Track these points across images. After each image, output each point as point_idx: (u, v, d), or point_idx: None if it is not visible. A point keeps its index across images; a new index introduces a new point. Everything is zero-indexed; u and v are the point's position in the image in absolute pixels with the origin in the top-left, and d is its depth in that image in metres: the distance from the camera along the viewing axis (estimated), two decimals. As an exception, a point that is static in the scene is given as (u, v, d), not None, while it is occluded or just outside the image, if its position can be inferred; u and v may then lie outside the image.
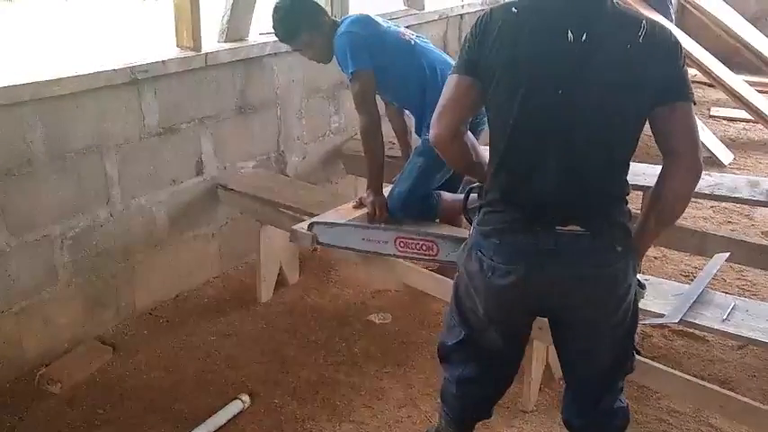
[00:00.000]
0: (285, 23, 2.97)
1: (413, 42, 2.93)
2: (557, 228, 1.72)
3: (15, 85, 2.62)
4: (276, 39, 3.24)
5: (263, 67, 3.58)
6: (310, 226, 2.77)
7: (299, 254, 3.57)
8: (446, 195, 2.93)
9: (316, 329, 3.15)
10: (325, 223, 2.79)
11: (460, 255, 1.92)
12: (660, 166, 1.77)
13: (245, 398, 2.67)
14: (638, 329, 2.02)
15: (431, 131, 1.85)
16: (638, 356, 2.36)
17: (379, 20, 2.97)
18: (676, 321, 2.24)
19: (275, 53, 3.59)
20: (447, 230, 2.68)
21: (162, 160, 3.20)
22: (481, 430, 2.53)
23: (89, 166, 2.92)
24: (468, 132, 1.91)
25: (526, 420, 2.62)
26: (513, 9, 1.71)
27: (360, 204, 2.93)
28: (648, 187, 3.32)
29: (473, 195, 2.02)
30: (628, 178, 1.80)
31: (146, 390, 2.78)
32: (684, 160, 1.70)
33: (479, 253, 1.80)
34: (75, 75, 2.79)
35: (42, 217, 2.80)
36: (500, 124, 1.75)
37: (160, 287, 3.33)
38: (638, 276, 1.89)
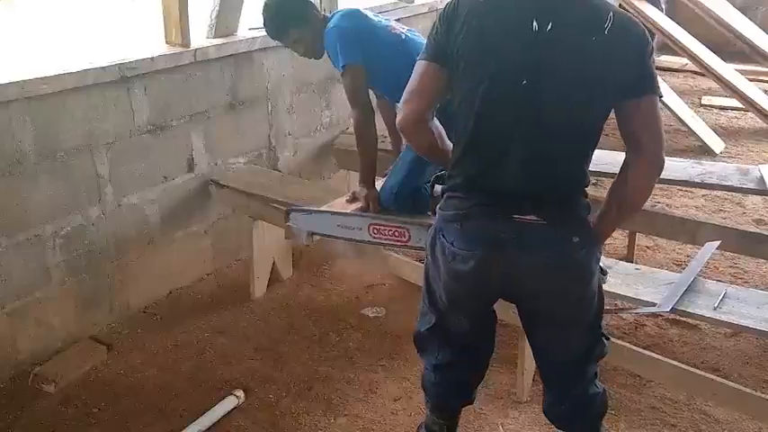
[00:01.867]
0: (275, 21, 2.97)
1: (403, 36, 2.92)
2: (514, 216, 1.73)
3: (3, 84, 2.60)
4: (266, 34, 3.22)
5: (252, 62, 3.57)
6: (287, 213, 2.82)
7: (293, 249, 3.57)
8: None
9: (309, 325, 3.15)
10: (301, 210, 2.85)
11: (427, 240, 1.93)
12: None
13: (240, 393, 2.67)
14: (615, 317, 2.04)
15: (397, 116, 1.87)
16: (620, 342, 2.41)
17: (369, 14, 2.97)
18: (668, 310, 2.25)
19: (265, 48, 3.58)
20: (419, 218, 2.70)
21: (153, 157, 3.20)
22: (475, 421, 2.56)
23: (80, 164, 2.91)
24: (435, 119, 1.91)
25: (520, 411, 2.63)
26: None
27: (353, 199, 2.93)
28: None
29: (438, 186, 2.07)
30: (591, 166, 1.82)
31: (140, 388, 2.78)
32: (647, 154, 1.72)
33: (441, 237, 1.83)
34: (64, 73, 2.78)
35: (34, 216, 2.79)
36: (465, 112, 1.75)
37: (153, 285, 3.32)
38: (601, 263, 1.91)
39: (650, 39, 1.70)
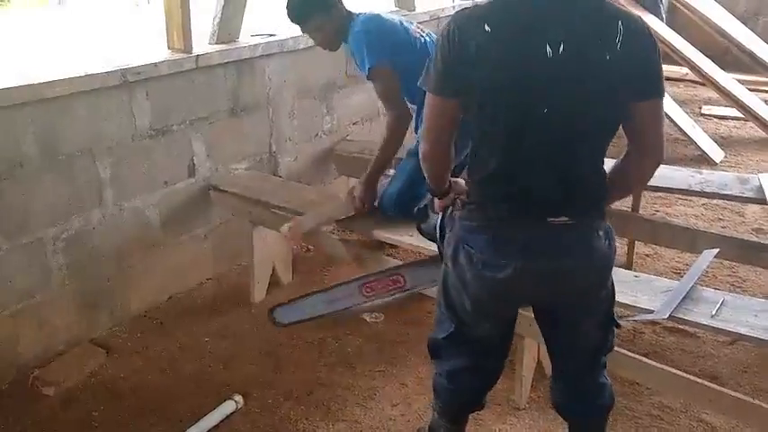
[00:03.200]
0: (300, 4, 2.96)
1: (423, 39, 2.94)
2: (548, 219, 1.77)
3: (7, 88, 2.63)
4: (267, 40, 3.25)
5: (254, 68, 3.59)
6: (270, 312, 2.82)
7: (293, 255, 3.58)
8: None
9: (309, 330, 3.15)
10: (285, 304, 2.82)
11: (447, 250, 1.93)
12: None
13: (238, 398, 2.68)
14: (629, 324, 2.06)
15: (423, 145, 1.87)
16: (618, 349, 2.41)
17: (394, 17, 2.99)
18: (666, 317, 2.26)
19: (267, 54, 3.60)
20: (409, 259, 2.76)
21: (154, 162, 3.21)
22: (474, 427, 2.56)
23: (82, 168, 2.93)
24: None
25: (518, 417, 2.63)
26: (486, 27, 1.65)
27: (351, 193, 2.98)
28: (647, 186, 3.37)
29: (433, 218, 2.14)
30: None
31: (140, 391, 2.79)
32: (652, 151, 1.80)
33: (467, 247, 1.83)
34: (68, 77, 2.80)
35: (36, 219, 2.81)
36: (487, 143, 1.78)
37: (154, 289, 3.34)
38: None
39: (657, 41, 1.73)
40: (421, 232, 2.30)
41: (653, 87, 1.72)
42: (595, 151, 1.80)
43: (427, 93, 1.79)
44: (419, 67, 1.89)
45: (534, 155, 1.74)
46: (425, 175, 1.94)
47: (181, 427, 2.54)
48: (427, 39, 2.94)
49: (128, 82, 3.00)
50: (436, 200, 2.05)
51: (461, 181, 1.99)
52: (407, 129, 2.91)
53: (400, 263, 2.91)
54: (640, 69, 1.69)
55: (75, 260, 2.97)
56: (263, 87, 3.67)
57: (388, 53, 2.82)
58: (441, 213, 2.08)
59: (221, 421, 2.60)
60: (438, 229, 2.09)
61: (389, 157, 2.94)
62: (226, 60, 3.42)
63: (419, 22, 3.25)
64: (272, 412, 2.66)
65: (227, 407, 2.65)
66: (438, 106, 1.79)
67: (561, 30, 1.63)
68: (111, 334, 3.14)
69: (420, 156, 1.89)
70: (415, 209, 2.81)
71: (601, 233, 1.81)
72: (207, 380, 2.85)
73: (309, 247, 3.73)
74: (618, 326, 2.03)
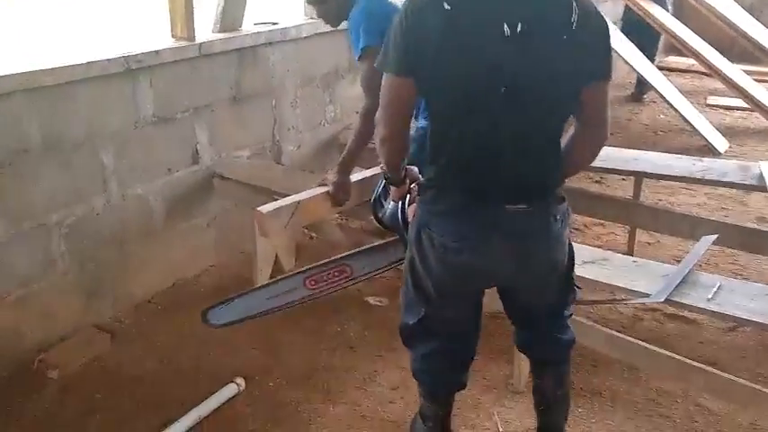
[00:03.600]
0: None
1: None
2: (506, 206, 1.79)
3: (9, 75, 2.65)
4: (270, 28, 3.26)
5: (257, 56, 3.61)
6: (203, 315, 2.59)
7: (296, 242, 3.60)
8: None
9: (311, 315, 3.17)
10: (218, 305, 2.61)
11: (411, 234, 1.95)
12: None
13: (240, 381, 2.71)
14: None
15: (380, 128, 1.86)
16: (617, 334, 2.44)
17: (398, 3, 2.98)
18: (662, 300, 2.27)
19: (270, 43, 3.62)
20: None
21: (157, 149, 3.24)
22: (473, 410, 2.59)
23: (85, 155, 2.95)
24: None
25: (516, 401, 2.65)
26: (446, 5, 1.64)
27: (323, 183, 2.98)
28: (639, 173, 3.38)
29: (391, 206, 2.15)
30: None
31: (142, 376, 2.82)
32: (598, 131, 1.85)
33: (429, 230, 1.86)
34: (69, 65, 2.82)
35: (39, 206, 2.84)
36: (445, 122, 1.80)
37: (157, 276, 3.36)
38: None
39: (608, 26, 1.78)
40: (380, 223, 2.28)
41: (603, 69, 1.77)
42: (552, 135, 1.83)
43: (384, 75, 1.78)
44: None
45: (491, 138, 1.75)
46: (382, 161, 1.95)
47: (182, 411, 2.55)
48: None
49: (130, 69, 3.02)
50: (393, 188, 2.08)
51: (415, 168, 2.02)
52: None
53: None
54: (593, 50, 1.73)
55: (78, 247, 3.00)
56: (266, 76, 3.69)
57: (384, 37, 2.80)
58: (399, 202, 2.11)
59: (223, 404, 2.63)
60: (400, 217, 2.11)
61: (361, 146, 2.91)
62: (229, 48, 3.44)
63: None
64: (273, 395, 2.69)
65: (229, 390, 2.67)
66: (395, 87, 1.77)
67: (519, 9, 1.65)
68: (115, 319, 3.18)
69: (377, 141, 1.89)
70: (370, 200, 2.68)
71: (558, 217, 1.85)
72: (208, 365, 2.88)
73: (312, 234, 3.76)
74: (577, 287, 2.10)
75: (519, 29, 1.63)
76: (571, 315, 2.15)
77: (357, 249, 2.73)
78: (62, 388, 2.75)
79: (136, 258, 3.25)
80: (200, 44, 3.29)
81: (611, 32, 1.76)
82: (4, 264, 2.77)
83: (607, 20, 1.79)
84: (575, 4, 1.67)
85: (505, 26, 1.63)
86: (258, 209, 2.87)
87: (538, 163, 1.80)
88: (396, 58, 1.73)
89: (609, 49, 1.77)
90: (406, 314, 2.09)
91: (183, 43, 3.25)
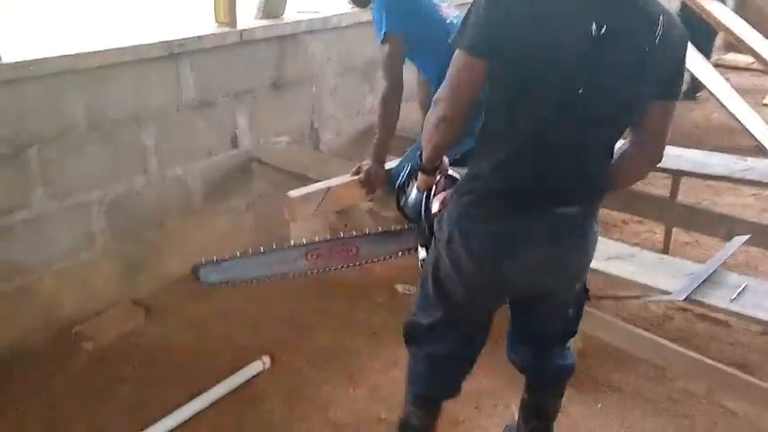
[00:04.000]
0: None
1: (448, 21, 2.92)
2: (556, 209, 1.75)
3: (58, 57, 2.76)
4: (311, 17, 3.30)
5: (297, 44, 3.66)
6: (194, 271, 2.55)
7: (329, 225, 3.66)
8: None
9: (340, 299, 3.23)
10: (213, 262, 2.58)
11: (442, 235, 1.87)
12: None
13: (266, 359, 2.78)
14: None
15: (442, 107, 1.73)
16: (641, 332, 2.41)
17: None
18: (682, 299, 2.24)
19: (311, 31, 3.67)
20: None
21: (198, 132, 3.33)
22: (489, 399, 2.61)
23: (127, 135, 3.06)
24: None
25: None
26: None
27: (358, 172, 2.99)
28: (676, 170, 3.32)
29: (415, 195, 2.05)
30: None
31: (173, 350, 2.92)
32: (654, 149, 1.78)
33: (466, 233, 1.79)
34: (115, 48, 2.93)
35: (82, 183, 2.96)
36: (508, 113, 1.70)
37: (194, 255, 3.39)
38: None
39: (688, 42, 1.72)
40: (402, 211, 2.20)
41: (675, 88, 1.73)
42: (611, 141, 1.78)
43: (456, 51, 1.68)
44: (439, 42, 1.85)
45: (559, 137, 1.68)
46: (431, 142, 1.81)
47: (208, 385, 2.64)
48: (454, 21, 2.92)
49: (173, 53, 3.11)
50: (421, 177, 1.97)
51: (446, 159, 1.94)
52: (399, 102, 2.86)
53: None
54: (670, 69, 1.68)
55: (118, 223, 3.11)
56: (307, 63, 3.74)
57: (405, 22, 2.79)
58: (425, 192, 2.00)
59: (247, 381, 2.71)
60: (423, 208, 2.01)
61: (389, 131, 2.90)
62: (270, 36, 3.51)
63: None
64: (296, 375, 2.75)
65: (254, 367, 2.75)
66: (466, 66, 1.67)
67: (606, 11, 1.58)
68: (151, 295, 3.28)
69: (432, 120, 1.75)
70: (396, 185, 2.75)
71: (596, 220, 1.86)
72: (237, 341, 2.96)
73: (346, 223, 3.80)
74: (588, 297, 2.05)
75: (604, 30, 1.57)
76: (575, 334, 2.13)
77: (368, 232, 2.70)
78: (95, 358, 2.87)
79: (173, 237, 3.35)
80: (242, 31, 3.36)
81: (686, 53, 1.71)
82: (47, 236, 2.89)
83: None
84: (662, 18, 1.62)
85: (594, 25, 1.57)
86: (288, 194, 2.92)
87: (591, 167, 1.77)
88: (472, 36, 1.64)
89: (683, 69, 1.74)
90: (419, 312, 2.04)
91: (225, 29, 3.33)
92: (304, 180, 3.35)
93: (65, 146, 2.86)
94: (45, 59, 2.72)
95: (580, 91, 1.61)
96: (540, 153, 1.70)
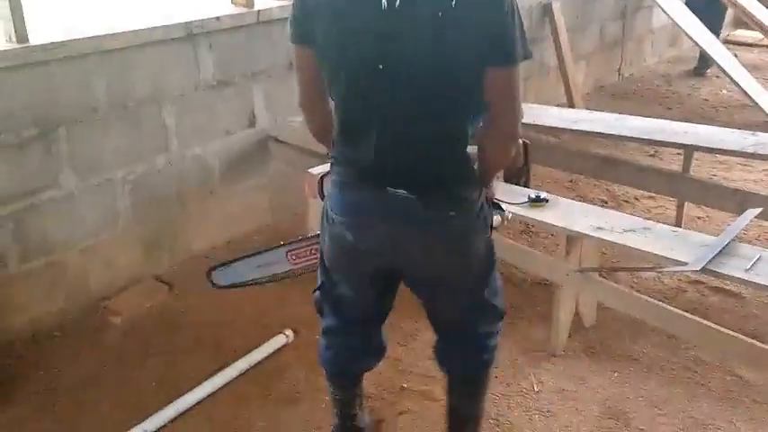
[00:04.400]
0: None
1: None
2: (388, 189, 1.69)
3: (81, 39, 2.82)
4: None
5: (313, 24, 3.70)
6: (208, 274, 2.67)
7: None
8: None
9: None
10: (222, 266, 2.71)
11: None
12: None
13: (289, 332, 2.85)
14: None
15: (298, 96, 1.84)
16: (656, 302, 2.44)
17: None
18: (698, 269, 2.30)
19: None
20: None
21: (216, 112, 3.39)
22: (509, 370, 2.68)
23: (148, 115, 3.12)
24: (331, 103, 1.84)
25: (553, 363, 2.73)
26: None
27: None
28: (688, 146, 3.36)
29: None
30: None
31: (197, 325, 2.99)
32: (501, 125, 1.68)
33: (327, 205, 1.83)
34: (135, 29, 2.98)
35: (106, 162, 3.02)
36: (334, 92, 1.73)
37: (213, 232, 3.53)
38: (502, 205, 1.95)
39: (510, 5, 1.57)
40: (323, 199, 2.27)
41: (497, 53, 1.58)
42: (442, 126, 1.68)
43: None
44: None
45: (374, 116, 1.66)
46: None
47: (234, 357, 2.72)
48: None
49: (192, 34, 3.16)
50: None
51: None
52: None
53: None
54: (480, 32, 1.55)
55: (141, 201, 3.18)
56: (322, 43, 3.78)
57: None
58: None
59: (272, 354, 2.78)
60: None
61: None
62: (286, 15, 3.52)
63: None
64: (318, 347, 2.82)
65: (278, 340, 2.83)
66: (297, 56, 1.76)
67: None
68: (173, 272, 3.36)
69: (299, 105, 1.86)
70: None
71: (452, 213, 1.73)
72: (259, 317, 3.03)
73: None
74: (501, 315, 2.01)
75: (397, 3, 1.53)
76: (495, 338, 2.05)
77: None
78: (123, 332, 2.95)
79: (194, 215, 3.42)
80: (259, 11, 3.40)
81: (509, 10, 1.55)
82: (73, 215, 2.96)
83: None
84: None
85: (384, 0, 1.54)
86: (309, 170, 2.97)
87: (424, 151, 1.68)
88: (291, 28, 1.72)
89: (503, 28, 1.56)
90: (317, 283, 2.07)
91: (243, 10, 3.37)
92: (321, 158, 3.40)
93: (90, 126, 2.92)
94: (70, 42, 2.77)
95: (380, 67, 1.59)
96: (360, 130, 1.70)
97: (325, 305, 2.05)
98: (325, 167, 2.75)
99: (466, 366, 2.09)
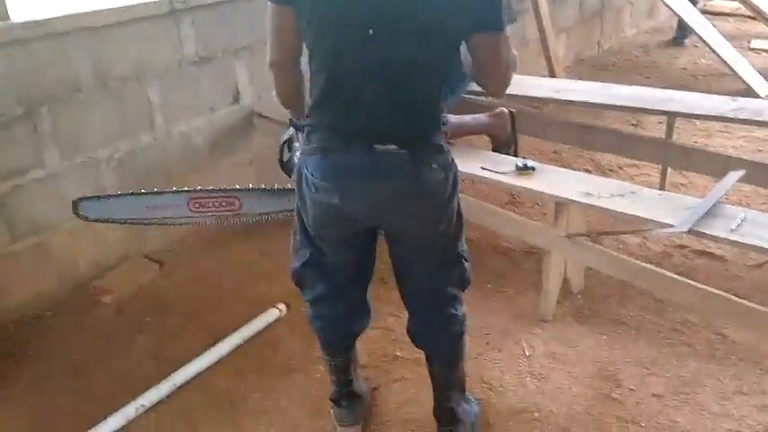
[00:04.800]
0: None
1: None
2: (375, 146, 1.71)
3: (61, 17, 2.78)
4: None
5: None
6: (74, 205, 2.60)
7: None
8: (452, 118, 3.00)
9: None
10: (92, 198, 2.63)
11: (294, 178, 1.91)
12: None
13: (282, 306, 2.87)
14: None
15: (269, 54, 1.83)
16: (643, 264, 2.46)
17: None
18: (685, 230, 2.33)
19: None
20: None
21: (200, 88, 3.37)
22: (499, 336, 2.71)
23: (132, 92, 3.10)
24: (302, 68, 1.87)
25: (543, 328, 2.76)
26: None
27: None
28: (671, 112, 3.39)
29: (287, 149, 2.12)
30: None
31: (188, 302, 3.00)
32: (491, 87, 1.79)
33: (305, 170, 1.81)
34: (117, 6, 2.95)
35: (90, 140, 3.00)
36: (317, 60, 1.73)
37: (201, 210, 3.52)
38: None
39: None
40: (283, 167, 2.27)
41: (482, 19, 1.65)
42: (430, 80, 1.74)
43: (267, 3, 1.76)
44: None
45: (361, 78, 1.69)
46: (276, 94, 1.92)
47: (225, 334, 2.73)
48: None
49: (174, 10, 3.14)
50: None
51: None
52: None
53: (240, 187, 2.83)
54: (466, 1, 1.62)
55: (127, 179, 3.16)
56: (304, 17, 3.76)
57: None
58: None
59: (265, 328, 2.80)
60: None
61: None
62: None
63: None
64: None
65: (272, 314, 2.84)
66: (275, 15, 1.75)
67: None
68: (163, 249, 3.35)
69: (269, 67, 1.85)
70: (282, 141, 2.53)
71: (435, 165, 1.76)
72: (251, 292, 3.04)
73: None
74: (466, 260, 2.00)
75: None
76: (459, 303, 2.07)
77: (251, 187, 2.68)
78: (114, 311, 2.95)
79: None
80: (240, -15, 3.38)
81: None
82: (59, 194, 2.94)
83: None
84: None
85: None
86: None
87: (409, 107, 1.73)
88: None
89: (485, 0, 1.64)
90: (293, 258, 2.08)
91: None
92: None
93: (74, 104, 2.90)
94: (52, 19, 2.74)
95: (370, 32, 1.62)
96: (349, 93, 1.71)
97: (310, 275, 2.06)
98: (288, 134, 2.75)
99: (437, 340, 2.12)
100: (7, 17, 2.64)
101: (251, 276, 3.15)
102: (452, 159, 1.83)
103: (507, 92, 1.96)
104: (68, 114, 2.88)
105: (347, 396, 2.29)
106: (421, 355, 2.56)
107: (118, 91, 3.04)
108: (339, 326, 2.16)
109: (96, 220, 2.65)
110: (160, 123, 3.23)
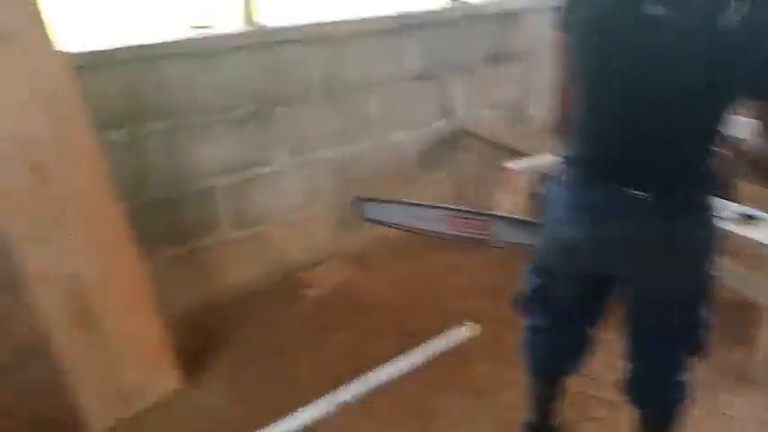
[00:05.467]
0: None
1: None
2: (622, 188, 1.63)
3: (309, 24, 3.00)
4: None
5: (517, 22, 3.71)
6: (355, 202, 2.69)
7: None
8: None
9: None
10: (375, 200, 2.73)
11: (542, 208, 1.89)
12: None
13: (476, 327, 2.90)
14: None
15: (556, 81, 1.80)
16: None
17: None
18: None
19: (532, 10, 3.70)
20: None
21: (416, 102, 3.49)
22: (700, 394, 2.57)
23: (355, 101, 3.27)
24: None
25: (751, 390, 2.59)
26: None
27: None
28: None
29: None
30: None
31: (381, 305, 3.12)
32: None
33: (552, 205, 1.79)
34: (350, 19, 3.14)
35: (314, 142, 3.20)
36: (580, 84, 1.67)
37: (402, 218, 3.63)
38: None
39: None
40: (536, 200, 2.23)
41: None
42: (697, 131, 1.58)
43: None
44: None
45: (620, 116, 1.60)
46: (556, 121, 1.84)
47: (413, 342, 2.82)
48: None
49: (403, 26, 3.27)
50: None
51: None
52: None
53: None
54: (759, 57, 1.40)
55: (341, 182, 3.35)
56: (525, 41, 3.79)
57: None
58: None
59: (456, 344, 2.85)
60: None
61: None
62: (492, 12, 3.58)
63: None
64: (504, 344, 2.83)
65: (462, 331, 2.89)
66: (560, 43, 1.70)
67: None
68: (362, 251, 3.52)
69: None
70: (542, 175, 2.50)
71: (686, 221, 1.64)
72: (441, 305, 3.11)
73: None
74: (702, 347, 1.87)
75: (666, 7, 1.43)
76: (685, 369, 1.93)
77: (504, 215, 2.65)
78: (315, 304, 3.13)
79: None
80: (473, 6, 3.47)
81: None
82: (281, 190, 3.17)
83: None
84: None
85: (648, 4, 1.45)
86: (508, 164, 2.99)
87: (670, 155, 1.60)
88: (560, 15, 1.67)
89: None
90: (523, 281, 2.07)
91: (451, 4, 3.44)
92: (511, 152, 3.40)
93: (303, 107, 3.10)
94: (299, 27, 2.96)
95: (636, 73, 1.51)
96: (607, 128, 1.64)
97: (537, 304, 2.06)
98: (523, 163, 2.74)
99: (651, 402, 2.03)
100: (258, 22, 2.86)
101: (443, 289, 3.21)
102: (712, 219, 1.70)
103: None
104: (298, 116, 3.09)
105: (542, 429, 2.27)
106: (618, 398, 2.49)
107: (343, 98, 3.21)
108: (558, 359, 2.14)
109: (369, 220, 2.76)
110: (377, 132, 3.38)
